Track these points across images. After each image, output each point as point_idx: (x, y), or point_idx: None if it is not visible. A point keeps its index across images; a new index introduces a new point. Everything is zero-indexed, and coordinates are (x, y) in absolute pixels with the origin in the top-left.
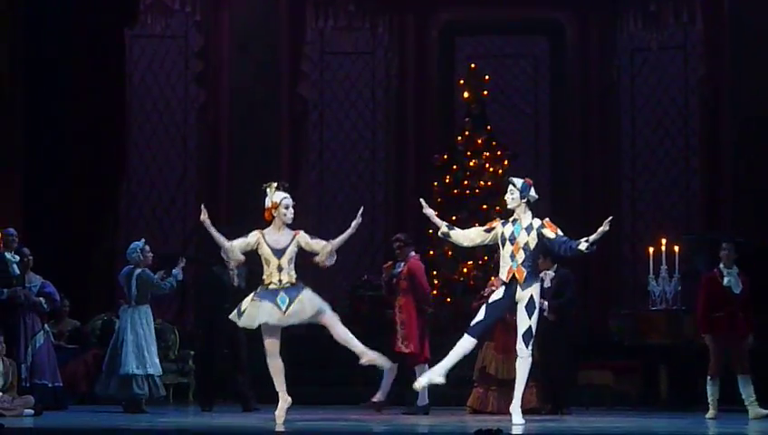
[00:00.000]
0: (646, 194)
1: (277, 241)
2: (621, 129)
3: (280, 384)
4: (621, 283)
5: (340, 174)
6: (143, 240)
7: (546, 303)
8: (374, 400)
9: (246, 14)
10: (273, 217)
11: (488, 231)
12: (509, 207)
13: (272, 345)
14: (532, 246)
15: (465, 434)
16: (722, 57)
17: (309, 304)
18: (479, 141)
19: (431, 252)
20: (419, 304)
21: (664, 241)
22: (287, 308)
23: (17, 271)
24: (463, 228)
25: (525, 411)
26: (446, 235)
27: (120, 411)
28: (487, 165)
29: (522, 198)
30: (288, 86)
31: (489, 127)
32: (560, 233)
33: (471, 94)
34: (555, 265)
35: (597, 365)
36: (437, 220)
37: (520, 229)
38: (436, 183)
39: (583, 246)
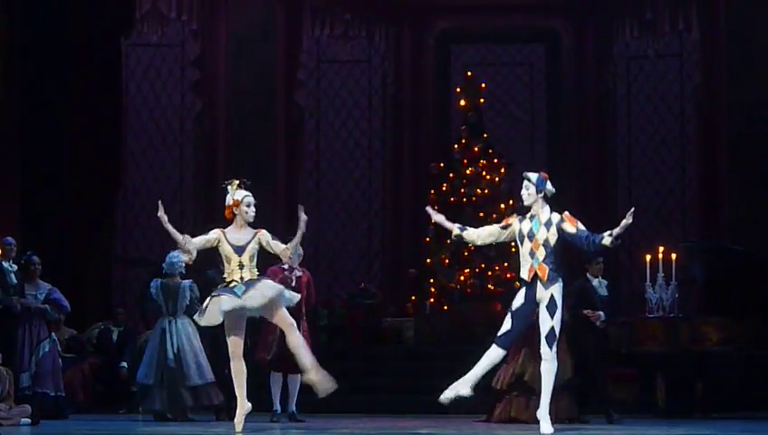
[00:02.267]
0: (642, 202)
1: (238, 239)
2: (617, 136)
3: (240, 388)
4: (618, 290)
5: (337, 182)
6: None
7: (602, 313)
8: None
9: (243, 22)
10: (235, 215)
11: (504, 228)
12: (525, 203)
13: (235, 345)
14: (552, 242)
15: None
16: (718, 65)
17: (268, 288)
18: (476, 149)
19: (428, 260)
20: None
21: (661, 249)
22: (243, 293)
23: (14, 280)
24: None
25: (561, 420)
26: (460, 237)
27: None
28: (484, 173)
29: (538, 192)
30: (285, 94)
31: (485, 135)
32: (581, 227)
33: (467, 102)
34: None
35: None
36: (449, 224)
37: (539, 225)
38: (432, 191)
39: (607, 240)
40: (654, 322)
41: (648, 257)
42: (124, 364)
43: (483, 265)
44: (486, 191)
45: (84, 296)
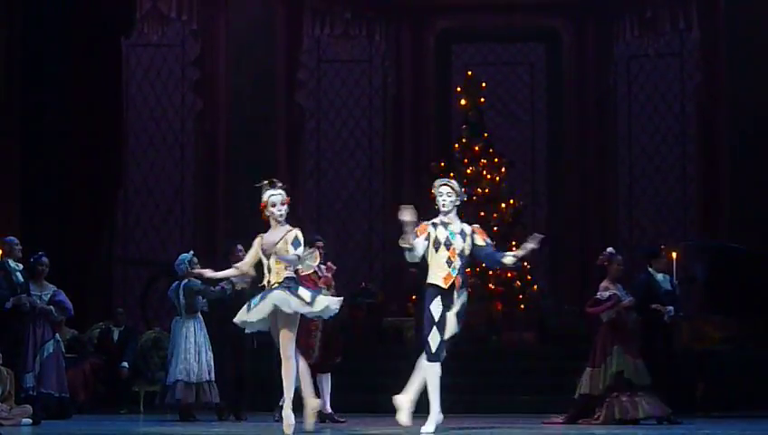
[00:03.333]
0: (643, 201)
1: (269, 241)
2: (618, 135)
3: (306, 386)
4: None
5: (338, 182)
6: (191, 252)
7: (671, 308)
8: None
9: (243, 22)
10: (268, 218)
11: (427, 239)
12: (446, 209)
13: (282, 346)
14: (466, 252)
15: None
16: (718, 64)
17: (272, 300)
18: (476, 148)
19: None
20: None
21: (662, 248)
22: (254, 306)
23: (21, 279)
24: None
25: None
26: (412, 247)
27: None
28: (484, 172)
29: (459, 201)
30: (285, 94)
31: (486, 134)
32: (489, 241)
33: (468, 101)
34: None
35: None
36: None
37: (454, 234)
38: (433, 190)
39: (509, 259)
40: None
41: None
42: (125, 364)
43: (483, 265)
44: (487, 190)
45: (85, 296)
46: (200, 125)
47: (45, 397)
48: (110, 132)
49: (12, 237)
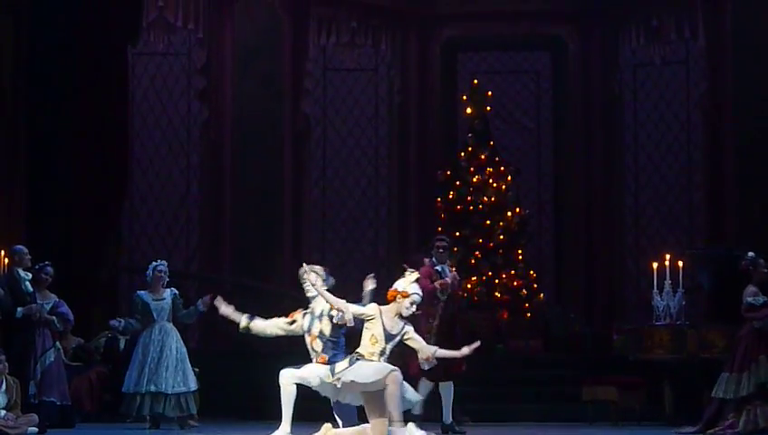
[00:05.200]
0: (649, 209)
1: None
2: (624, 144)
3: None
4: (625, 298)
5: (343, 191)
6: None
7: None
8: None
9: (249, 30)
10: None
11: (291, 323)
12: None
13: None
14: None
15: None
16: (724, 72)
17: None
18: (482, 157)
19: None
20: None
21: (668, 256)
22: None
23: (30, 288)
24: (466, 245)
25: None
26: (246, 329)
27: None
28: (491, 181)
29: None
30: (291, 102)
31: (492, 143)
32: None
33: (474, 110)
34: None
35: (601, 381)
36: (236, 315)
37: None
38: (439, 199)
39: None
40: (661, 329)
41: (655, 265)
42: None
43: (490, 274)
44: (493, 199)
45: (91, 305)
46: (206, 134)
47: (47, 405)
48: (116, 141)
49: (21, 247)
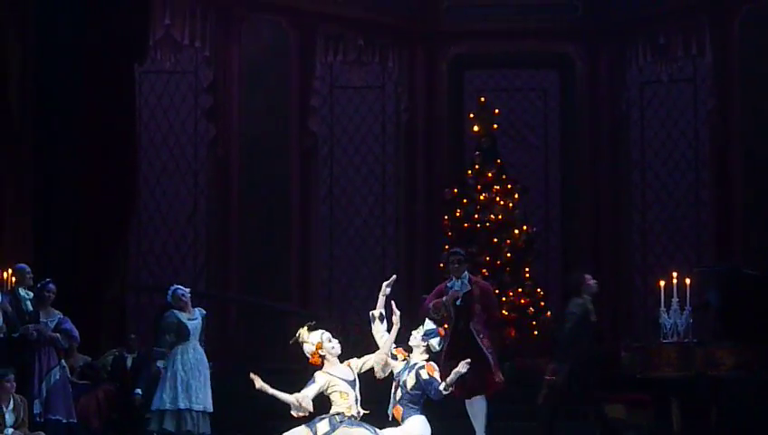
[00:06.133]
0: (656, 226)
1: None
2: (631, 161)
3: None
4: (632, 315)
5: (351, 209)
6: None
7: None
8: None
9: (255, 48)
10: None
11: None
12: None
13: None
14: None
15: None
16: (732, 89)
17: None
18: (489, 175)
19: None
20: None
21: (675, 274)
22: None
23: (30, 308)
24: (473, 263)
25: None
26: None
27: None
28: (498, 198)
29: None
30: (298, 120)
31: (499, 160)
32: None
33: (481, 128)
34: None
35: (609, 398)
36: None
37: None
38: (446, 217)
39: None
40: (668, 347)
41: (663, 283)
42: (138, 391)
43: (497, 292)
44: (500, 217)
45: (98, 323)
46: (213, 152)
47: (53, 424)
48: (124, 159)
49: (23, 265)
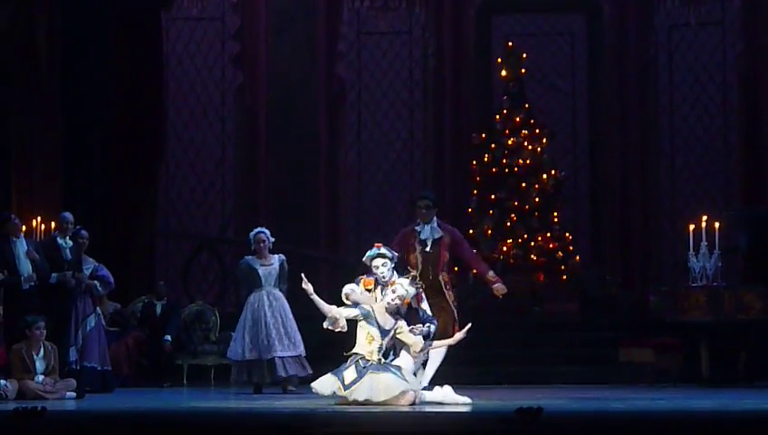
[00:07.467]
0: (685, 171)
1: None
2: (659, 106)
3: None
4: (661, 259)
5: (378, 154)
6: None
7: None
8: None
9: None
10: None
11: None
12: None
13: None
14: None
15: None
16: (760, 32)
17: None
18: (517, 120)
19: (470, 231)
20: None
21: (704, 218)
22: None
23: (69, 256)
24: (501, 208)
25: None
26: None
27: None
28: (525, 143)
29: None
30: (325, 66)
31: (527, 105)
32: None
33: (508, 73)
34: None
35: (637, 343)
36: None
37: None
38: (474, 162)
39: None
40: (697, 291)
41: (692, 227)
42: (168, 338)
43: (525, 236)
44: (528, 161)
45: (128, 270)
46: (240, 98)
47: (88, 371)
48: (151, 106)
49: (67, 214)
